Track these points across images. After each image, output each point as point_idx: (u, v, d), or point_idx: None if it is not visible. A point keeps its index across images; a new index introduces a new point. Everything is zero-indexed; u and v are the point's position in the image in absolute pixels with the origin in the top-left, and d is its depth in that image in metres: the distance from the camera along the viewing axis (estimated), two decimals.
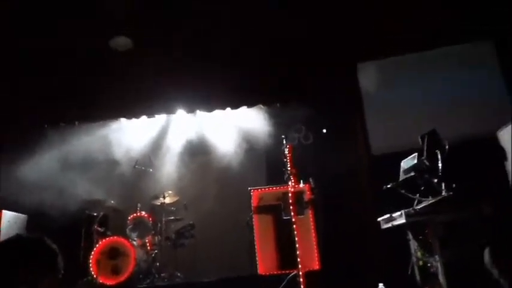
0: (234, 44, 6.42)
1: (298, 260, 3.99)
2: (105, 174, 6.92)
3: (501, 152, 4.91)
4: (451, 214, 3.48)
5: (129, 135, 7.40)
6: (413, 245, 4.01)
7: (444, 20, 5.84)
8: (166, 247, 6.29)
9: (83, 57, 6.49)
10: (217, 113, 7.34)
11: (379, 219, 4.40)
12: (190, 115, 7.43)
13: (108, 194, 6.51)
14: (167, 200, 6.40)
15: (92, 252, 5.64)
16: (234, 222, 5.95)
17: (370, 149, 6.22)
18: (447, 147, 3.80)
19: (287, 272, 4.35)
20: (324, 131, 6.92)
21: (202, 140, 7.36)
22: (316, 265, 4.98)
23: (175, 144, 7.37)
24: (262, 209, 5.38)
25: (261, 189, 5.52)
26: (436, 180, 3.76)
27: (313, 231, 5.09)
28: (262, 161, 7.00)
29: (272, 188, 5.46)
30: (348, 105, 6.68)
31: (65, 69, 6.58)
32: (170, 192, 6.48)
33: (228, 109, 7.29)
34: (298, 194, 4.50)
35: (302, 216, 4.47)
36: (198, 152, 7.36)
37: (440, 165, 3.70)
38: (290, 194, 4.32)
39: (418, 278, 3.84)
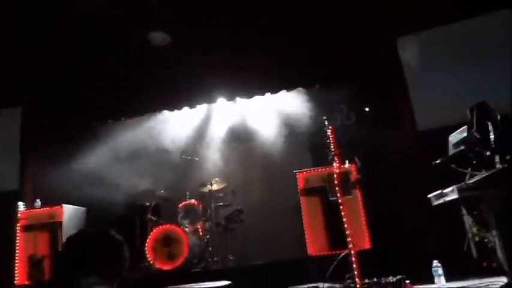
0: (269, 28, 6.42)
1: (349, 239, 4.00)
2: (154, 165, 7.17)
3: None
4: (507, 187, 3.36)
5: (173, 126, 7.62)
6: (467, 220, 3.91)
7: None
8: (217, 232, 6.48)
9: (124, 55, 6.72)
10: (257, 98, 7.38)
11: (429, 195, 4.33)
12: (230, 103, 7.52)
13: (158, 184, 6.77)
14: (215, 187, 6.55)
15: (147, 240, 5.90)
16: (282, 205, 6.02)
17: (416, 125, 6.07)
18: (499, 118, 3.66)
19: (338, 252, 4.37)
20: (367, 109, 6.79)
21: (245, 126, 7.44)
22: (367, 244, 4.99)
23: (218, 133, 7.51)
24: (308, 191, 5.43)
25: (306, 171, 5.55)
26: (488, 153, 3.64)
27: (362, 210, 5.09)
28: (306, 143, 7.00)
29: (317, 169, 5.48)
30: (390, 81, 6.53)
31: (107, 69, 6.86)
32: (217, 179, 6.62)
33: (268, 94, 7.31)
34: (344, 175, 4.48)
35: (349, 196, 4.45)
36: (241, 139, 7.46)
37: (492, 137, 3.57)
38: (335, 175, 4.31)
39: (474, 253, 3.76)
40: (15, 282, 5.98)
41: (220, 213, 6.61)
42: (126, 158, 7.26)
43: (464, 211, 3.96)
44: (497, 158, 3.53)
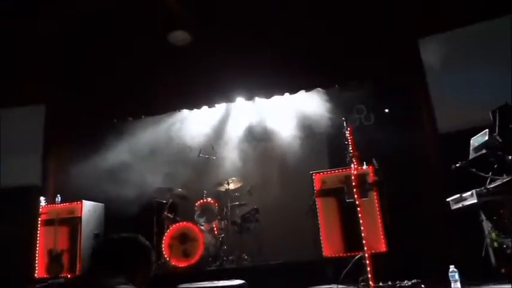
0: (288, 28, 6.42)
1: (364, 242, 3.95)
2: (172, 163, 7.23)
3: None
4: None
5: (192, 125, 7.69)
6: (486, 225, 3.82)
7: None
8: (232, 231, 6.50)
9: (144, 55, 6.82)
10: (276, 99, 7.38)
11: (448, 199, 4.25)
12: (249, 102, 7.54)
13: (176, 183, 6.83)
14: (231, 186, 6.58)
15: (164, 237, 5.96)
16: (297, 206, 5.98)
17: (437, 127, 5.96)
18: None
19: (353, 254, 4.33)
20: (386, 110, 6.72)
21: (263, 126, 7.44)
22: (382, 247, 4.92)
23: (236, 132, 7.53)
24: (325, 193, 5.38)
25: (323, 172, 5.51)
26: (510, 157, 3.55)
27: (378, 213, 5.01)
28: (324, 144, 6.97)
29: (334, 171, 5.44)
30: (410, 82, 6.44)
31: (128, 68, 6.97)
32: (234, 178, 6.64)
33: (287, 94, 7.30)
34: (361, 176, 4.44)
35: (366, 198, 4.40)
36: (259, 139, 7.47)
37: None
38: (353, 177, 4.26)
39: (493, 260, 3.67)
40: (35, 275, 6.12)
41: (236, 212, 6.63)
42: (145, 155, 7.36)
43: (483, 216, 3.87)
44: None
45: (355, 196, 4.17)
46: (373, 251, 4.14)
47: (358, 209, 4.12)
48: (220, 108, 7.73)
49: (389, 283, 4.07)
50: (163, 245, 5.91)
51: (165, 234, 5.98)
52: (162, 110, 7.63)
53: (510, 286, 3.39)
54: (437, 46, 6.06)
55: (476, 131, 4.18)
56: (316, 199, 5.38)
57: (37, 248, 6.30)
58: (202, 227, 6.10)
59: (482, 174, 3.80)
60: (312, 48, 6.52)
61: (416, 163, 6.02)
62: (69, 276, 5.97)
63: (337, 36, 6.37)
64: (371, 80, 6.76)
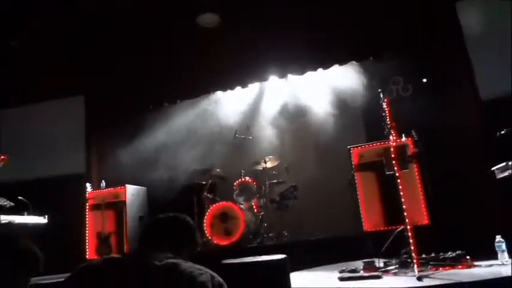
0: (318, 1, 6.27)
1: (405, 214, 3.89)
2: (209, 145, 7.33)
3: None
4: None
5: (226, 106, 7.74)
6: None
7: None
8: (271, 209, 6.57)
9: (175, 39, 6.87)
10: (309, 74, 7.28)
11: (493, 168, 4.10)
12: (282, 80, 7.48)
13: (214, 164, 6.95)
14: (268, 165, 6.61)
15: (205, 217, 6.11)
16: (335, 181, 5.95)
17: (479, 94, 5.70)
18: None
19: (394, 228, 4.27)
20: (424, 80, 6.49)
21: (297, 103, 7.39)
22: (425, 220, 4.84)
23: (271, 111, 7.52)
24: (363, 167, 5.33)
25: (360, 146, 5.45)
26: None
27: (419, 185, 4.92)
28: (360, 118, 6.84)
29: (372, 144, 5.36)
30: (449, 49, 6.15)
31: (161, 54, 7.05)
32: (271, 156, 6.67)
33: (320, 70, 7.18)
34: (401, 148, 4.32)
35: (406, 170, 4.30)
36: (294, 116, 7.42)
37: None
38: (392, 149, 4.17)
39: None
40: (86, 256, 6.46)
41: (274, 190, 6.68)
42: (183, 139, 7.48)
43: None
44: None
45: (395, 168, 4.08)
46: (414, 224, 4.06)
47: (399, 181, 4.04)
48: (253, 87, 7.72)
49: (433, 255, 4.00)
50: (204, 225, 6.07)
51: (206, 213, 6.13)
52: (196, 93, 7.70)
53: None
54: (475, 8, 5.76)
55: None
56: (354, 174, 5.33)
57: (87, 232, 6.64)
58: (242, 206, 6.20)
59: None
60: (344, 20, 6.35)
61: (457, 132, 5.81)
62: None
63: (369, 6, 6.16)
64: (407, 50, 6.53)
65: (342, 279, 3.80)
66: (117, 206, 6.64)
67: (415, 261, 3.64)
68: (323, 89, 7.13)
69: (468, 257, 3.82)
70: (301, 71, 7.26)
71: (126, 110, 7.71)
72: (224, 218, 6.02)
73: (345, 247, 5.36)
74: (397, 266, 3.98)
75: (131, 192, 6.79)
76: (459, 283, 3.06)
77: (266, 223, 6.42)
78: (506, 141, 3.96)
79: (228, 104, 7.74)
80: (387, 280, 3.66)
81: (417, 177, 4.94)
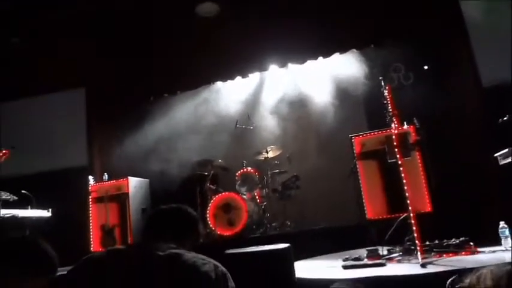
0: None
1: (408, 202, 3.89)
2: (210, 136, 7.33)
3: None
4: None
5: (227, 97, 7.72)
6: None
7: None
8: (274, 199, 6.58)
9: (174, 30, 6.83)
10: (310, 63, 7.24)
11: (496, 154, 4.09)
12: (282, 69, 7.45)
13: (215, 154, 6.94)
14: (270, 154, 6.61)
15: (208, 208, 6.12)
16: (338, 170, 5.94)
17: (481, 81, 5.67)
18: None
19: (397, 216, 4.28)
20: (426, 67, 6.45)
21: (298, 92, 7.36)
22: (428, 207, 4.83)
23: (272, 100, 7.49)
24: (365, 155, 5.32)
25: (362, 135, 5.43)
26: None
27: (422, 172, 4.91)
28: (361, 107, 6.82)
29: (374, 133, 5.35)
30: (450, 36, 6.11)
31: (159, 45, 7.04)
32: (272, 146, 6.67)
33: (320, 58, 7.14)
34: (403, 136, 4.30)
35: (409, 158, 4.29)
36: (295, 105, 7.39)
37: None
38: (394, 137, 4.16)
39: None
40: (91, 249, 6.49)
41: (276, 180, 6.69)
42: (184, 130, 7.48)
43: None
44: None
45: (397, 156, 4.07)
46: (417, 211, 4.07)
47: (401, 169, 4.03)
48: (254, 77, 7.69)
49: (436, 242, 4.01)
50: (208, 215, 6.08)
51: (209, 204, 6.14)
52: (197, 84, 7.69)
53: None
54: None
55: None
56: (356, 162, 5.33)
57: (90, 224, 6.67)
58: (244, 196, 6.21)
59: None
60: (345, 8, 6.29)
61: (459, 119, 5.80)
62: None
63: None
64: (408, 37, 6.47)
65: (345, 267, 3.81)
66: (120, 199, 6.66)
67: (418, 248, 3.65)
68: (324, 78, 7.11)
69: (472, 244, 3.82)
70: (302, 59, 7.23)
71: (127, 102, 7.71)
72: (227, 209, 6.03)
73: (348, 236, 5.37)
74: (400, 253, 3.99)
75: (134, 184, 6.81)
76: (463, 269, 3.06)
77: (269, 213, 6.44)
78: (508, 128, 3.94)
79: (229, 94, 7.72)
80: (391, 267, 3.67)
81: (419, 164, 4.92)
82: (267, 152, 6.58)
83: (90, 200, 6.74)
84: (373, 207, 5.14)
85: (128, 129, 7.42)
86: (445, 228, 4.39)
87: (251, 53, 6.95)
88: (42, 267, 1.75)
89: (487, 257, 3.55)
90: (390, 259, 3.92)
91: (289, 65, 7.36)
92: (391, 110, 4.27)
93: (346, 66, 6.83)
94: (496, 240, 3.74)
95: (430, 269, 3.30)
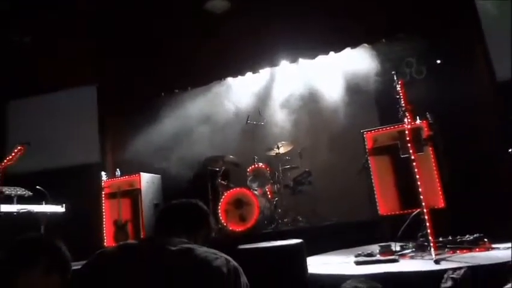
0: None
1: (421, 197, 3.86)
2: (222, 131, 7.33)
3: None
4: None
5: (238, 93, 7.72)
6: None
7: None
8: (286, 194, 6.58)
9: (185, 26, 6.84)
10: (321, 58, 7.20)
11: (510, 150, 4.03)
12: (293, 65, 7.42)
13: (227, 150, 6.96)
14: (281, 150, 6.60)
15: (220, 204, 6.14)
16: (349, 166, 5.91)
17: (495, 75, 5.58)
18: None
19: (410, 211, 4.25)
20: (439, 62, 6.37)
21: (309, 87, 7.32)
22: (441, 203, 4.79)
23: (283, 96, 7.46)
24: (378, 151, 5.29)
25: (374, 130, 5.40)
26: None
27: (435, 168, 4.86)
28: (373, 102, 6.76)
29: (386, 128, 5.31)
30: (463, 29, 6.03)
31: (171, 41, 7.06)
32: (283, 142, 6.65)
33: (332, 53, 7.10)
34: (416, 131, 4.27)
35: (421, 153, 4.26)
36: (306, 101, 7.34)
37: None
38: (406, 132, 4.12)
39: None
40: (104, 244, 6.57)
41: (288, 176, 6.69)
42: (195, 126, 7.49)
43: None
44: None
45: (410, 151, 4.04)
46: (431, 207, 4.03)
47: (414, 164, 4.00)
48: (264, 73, 7.67)
49: (450, 238, 3.98)
50: (219, 211, 6.10)
51: (221, 200, 6.16)
52: (207, 79, 7.69)
53: None
54: None
55: None
56: (368, 158, 5.30)
57: (103, 220, 6.74)
58: (256, 192, 6.22)
59: None
60: (356, 2, 6.24)
61: (473, 114, 5.73)
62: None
63: None
64: (420, 31, 6.40)
65: (358, 263, 3.80)
66: (133, 194, 6.72)
67: (432, 244, 3.62)
68: (335, 73, 7.05)
69: (486, 240, 3.79)
70: (313, 55, 7.18)
71: (138, 98, 7.77)
72: (238, 204, 6.04)
73: (360, 232, 5.36)
74: (413, 249, 3.97)
75: (146, 180, 6.87)
76: (477, 266, 3.03)
77: (280, 209, 6.44)
78: None
79: (240, 90, 7.72)
80: (404, 263, 3.65)
81: (433, 160, 4.88)
82: (278, 148, 6.57)
83: (103, 195, 6.81)
84: (386, 203, 5.12)
85: (139, 125, 7.47)
86: (458, 224, 4.35)
87: (262, 48, 6.94)
88: (57, 267, 1.79)
89: (501, 253, 3.50)
90: (403, 255, 3.91)
91: (300, 60, 7.31)
92: (403, 104, 4.23)
93: (357, 61, 6.78)
94: (510, 236, 3.69)
95: (444, 265, 3.28)
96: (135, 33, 7.07)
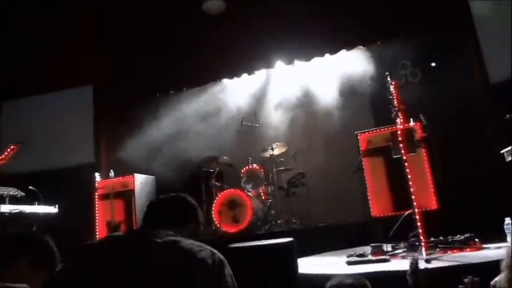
0: None
1: (413, 198, 3.86)
2: (216, 132, 7.31)
3: None
4: None
5: (233, 94, 7.70)
6: None
7: None
8: (279, 196, 6.57)
9: (181, 27, 6.85)
10: (316, 60, 7.21)
11: (502, 151, 4.04)
12: (289, 67, 7.42)
13: (221, 151, 6.94)
14: (276, 152, 6.59)
15: (213, 205, 6.12)
16: (343, 167, 5.91)
17: (488, 77, 5.61)
18: None
19: (402, 213, 4.25)
20: (433, 64, 6.39)
21: (305, 89, 7.32)
22: (433, 204, 4.78)
23: (278, 97, 7.45)
24: (371, 152, 5.29)
25: (368, 132, 5.40)
26: None
27: (427, 170, 4.86)
28: (368, 103, 6.77)
29: (380, 129, 5.31)
30: (457, 32, 6.06)
31: (166, 42, 7.06)
32: (278, 143, 6.64)
33: (327, 55, 7.11)
34: (408, 132, 4.27)
35: (414, 154, 4.26)
36: (301, 102, 7.34)
37: None
38: (399, 132, 4.13)
39: None
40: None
41: (282, 177, 6.68)
42: (190, 127, 7.45)
43: None
44: None
45: (402, 152, 4.04)
46: (423, 208, 4.03)
47: (406, 164, 4.00)
48: (260, 74, 7.67)
49: (441, 238, 3.98)
50: (213, 212, 6.08)
51: (214, 201, 6.14)
52: (203, 80, 7.69)
53: None
54: None
55: None
56: (362, 159, 5.30)
57: (97, 221, 6.71)
58: (250, 193, 6.20)
59: None
60: (351, 4, 6.27)
61: (468, 116, 5.75)
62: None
63: None
64: (415, 33, 6.43)
65: (349, 263, 3.80)
66: (126, 195, 6.70)
67: (423, 244, 3.62)
68: (331, 75, 7.05)
69: (477, 240, 3.79)
70: (308, 56, 7.19)
71: (133, 99, 7.75)
72: (232, 206, 6.03)
73: (353, 233, 5.36)
74: (405, 249, 3.97)
75: (139, 181, 6.85)
76: (467, 265, 3.03)
77: (274, 210, 6.42)
78: None
79: (235, 91, 7.70)
80: (395, 263, 3.64)
81: (426, 161, 4.88)
82: (272, 149, 6.55)
83: (97, 196, 6.78)
84: (379, 205, 5.12)
85: (134, 126, 7.45)
86: (450, 225, 4.36)
87: (257, 50, 6.95)
88: (45, 261, 1.80)
89: (492, 253, 3.50)
90: (395, 255, 3.90)
91: (296, 62, 7.33)
92: (396, 105, 4.24)
93: (353, 63, 6.79)
94: (501, 237, 3.69)
95: (435, 264, 3.28)
96: (131, 33, 7.08)
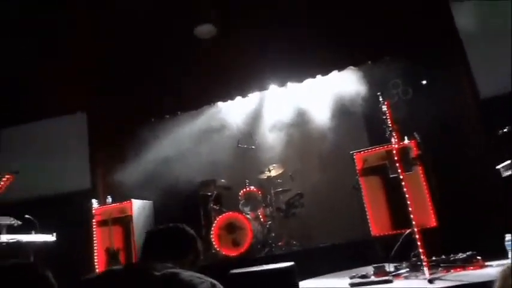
0: (313, 8, 6.33)
1: (411, 217, 3.88)
2: (212, 156, 7.32)
3: None
4: None
5: (227, 117, 7.77)
6: None
7: None
8: (278, 218, 6.56)
9: (174, 52, 6.94)
10: (309, 82, 7.30)
11: (498, 166, 4.10)
12: (282, 89, 7.50)
13: (218, 174, 6.95)
14: (273, 173, 6.61)
15: (212, 229, 6.09)
16: (341, 187, 5.95)
17: (479, 93, 5.72)
18: None
19: (402, 231, 4.26)
20: (424, 82, 6.51)
21: (298, 111, 7.40)
22: (432, 222, 4.81)
23: (272, 119, 7.54)
24: (367, 171, 5.33)
25: (363, 151, 5.45)
26: None
27: (425, 187, 4.90)
28: (361, 123, 6.86)
29: (375, 148, 5.36)
30: (446, 50, 6.19)
31: (159, 67, 7.15)
32: (275, 165, 6.67)
33: (319, 76, 7.21)
34: (403, 151, 4.33)
35: (410, 172, 4.30)
36: (295, 123, 7.43)
37: None
38: (394, 152, 4.17)
39: None
40: (96, 272, 6.45)
41: (280, 199, 6.68)
42: (186, 151, 7.46)
43: None
44: None
45: (399, 171, 4.08)
46: (422, 226, 4.05)
47: (403, 183, 4.03)
48: (254, 97, 7.74)
49: (443, 257, 3.99)
50: (212, 236, 6.04)
51: (213, 225, 6.11)
52: (197, 104, 7.72)
53: None
54: (470, 8, 5.80)
55: None
56: (359, 179, 5.33)
57: (95, 248, 6.64)
58: (248, 216, 6.19)
59: None
60: (341, 26, 6.39)
61: (461, 132, 5.85)
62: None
63: (365, 10, 6.22)
64: (405, 53, 6.55)
65: (352, 285, 3.79)
66: (124, 221, 6.63)
67: (425, 263, 3.63)
68: (323, 96, 7.14)
69: (479, 258, 3.80)
70: (301, 78, 7.27)
71: (128, 124, 7.75)
72: (231, 229, 6.00)
73: (354, 253, 5.34)
74: (407, 269, 3.97)
75: (137, 206, 6.79)
76: (471, 284, 3.04)
77: (274, 232, 6.40)
78: (509, 139, 3.96)
79: (230, 114, 7.76)
80: (398, 284, 3.64)
81: (422, 179, 4.92)
82: (269, 171, 6.58)
83: (94, 223, 6.72)
84: (378, 224, 5.13)
85: (130, 151, 7.45)
86: (452, 243, 4.37)
87: (250, 73, 7.01)
88: None
89: (495, 270, 3.49)
90: (397, 275, 3.90)
91: (289, 84, 7.41)
92: (390, 124, 4.29)
93: (344, 84, 6.88)
94: (503, 253, 3.71)
95: (438, 284, 3.28)
96: (125, 59, 7.14)
